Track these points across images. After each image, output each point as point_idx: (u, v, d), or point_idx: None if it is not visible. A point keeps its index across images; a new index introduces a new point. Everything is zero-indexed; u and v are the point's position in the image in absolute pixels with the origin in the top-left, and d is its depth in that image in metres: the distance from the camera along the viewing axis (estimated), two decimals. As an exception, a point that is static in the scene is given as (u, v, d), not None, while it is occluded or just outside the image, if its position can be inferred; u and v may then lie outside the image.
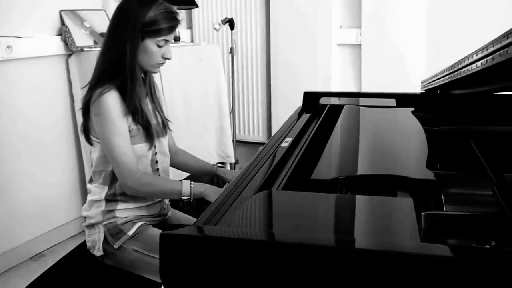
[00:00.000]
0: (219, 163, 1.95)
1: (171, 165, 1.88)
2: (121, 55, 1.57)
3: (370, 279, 0.68)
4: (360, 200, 0.95)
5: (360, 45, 3.41)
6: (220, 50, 3.49)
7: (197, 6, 3.35)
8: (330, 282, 0.70)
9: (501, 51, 0.90)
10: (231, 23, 3.29)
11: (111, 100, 1.56)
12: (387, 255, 0.68)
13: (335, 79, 3.57)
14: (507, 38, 0.87)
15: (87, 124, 1.64)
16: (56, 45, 2.80)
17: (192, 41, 3.89)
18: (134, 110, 1.60)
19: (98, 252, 1.67)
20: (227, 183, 1.66)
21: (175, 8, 1.64)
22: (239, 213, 0.88)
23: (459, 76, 1.37)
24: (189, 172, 2.03)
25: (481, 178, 1.29)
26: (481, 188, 1.24)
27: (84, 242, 1.74)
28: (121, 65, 1.58)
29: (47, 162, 2.85)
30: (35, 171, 2.78)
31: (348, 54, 3.54)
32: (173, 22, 1.61)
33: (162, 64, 1.67)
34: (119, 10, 1.62)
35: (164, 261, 0.76)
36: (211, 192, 1.64)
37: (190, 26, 3.92)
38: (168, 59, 1.66)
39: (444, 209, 1.07)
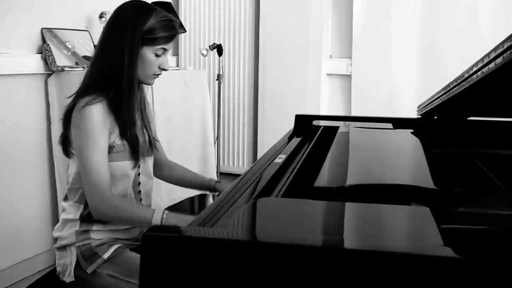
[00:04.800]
0: (216, 181, 1.81)
1: (165, 180, 1.78)
2: (119, 63, 1.47)
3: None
4: (372, 208, 0.83)
5: (350, 75, 3.36)
6: (207, 76, 3.39)
7: (185, 31, 3.27)
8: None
9: (492, 64, 0.92)
10: (219, 49, 3.22)
11: (96, 112, 1.44)
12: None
13: (324, 109, 3.50)
14: (496, 51, 0.90)
15: (67, 134, 1.51)
16: (36, 64, 2.67)
17: (178, 65, 3.80)
18: (128, 123, 1.49)
19: (68, 278, 1.51)
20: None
21: (174, 17, 1.55)
22: (233, 218, 0.75)
23: (456, 92, 1.31)
24: (184, 187, 1.87)
25: (489, 197, 1.20)
26: (490, 206, 1.16)
27: (55, 269, 1.58)
28: (118, 74, 1.47)
29: (17, 188, 2.66)
30: (1, 197, 2.59)
31: (338, 85, 3.48)
32: (173, 31, 1.53)
33: (158, 75, 1.57)
34: (116, 17, 1.52)
35: (146, 266, 0.63)
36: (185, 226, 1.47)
37: (176, 53, 3.83)
38: (165, 70, 1.57)
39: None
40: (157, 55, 1.51)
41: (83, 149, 1.44)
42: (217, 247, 0.63)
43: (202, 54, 3.27)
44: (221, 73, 3.30)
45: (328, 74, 3.48)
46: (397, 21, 3.20)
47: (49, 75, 2.73)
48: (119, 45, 1.47)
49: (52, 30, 2.75)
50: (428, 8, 3.13)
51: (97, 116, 1.44)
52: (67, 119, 1.49)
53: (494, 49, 0.90)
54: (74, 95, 1.52)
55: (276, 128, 3.40)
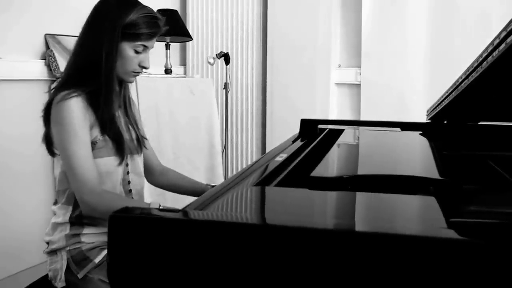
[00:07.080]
0: (212, 186, 1.74)
1: (158, 186, 1.72)
2: (96, 57, 1.41)
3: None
4: (371, 196, 0.76)
5: (359, 84, 3.29)
6: (214, 85, 3.34)
7: (192, 39, 3.24)
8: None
9: (502, 45, 0.89)
10: (226, 57, 3.17)
11: (74, 106, 1.38)
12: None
13: (333, 119, 3.43)
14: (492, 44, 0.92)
15: (48, 132, 1.45)
16: (39, 70, 2.64)
17: (185, 73, 3.76)
18: (105, 119, 1.43)
19: (60, 283, 1.45)
20: None
21: (159, 14, 1.49)
22: (220, 202, 0.69)
23: (466, 85, 1.25)
24: (180, 193, 1.80)
25: (499, 195, 1.13)
26: (499, 204, 1.08)
27: (47, 275, 1.51)
28: (96, 68, 1.42)
29: (18, 196, 2.61)
30: (2, 206, 2.53)
31: (347, 94, 3.42)
32: (155, 28, 1.46)
33: (138, 73, 1.51)
34: (96, 10, 1.46)
35: (112, 248, 0.57)
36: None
37: (183, 63, 3.80)
38: (145, 68, 1.51)
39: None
40: (136, 52, 1.45)
41: (65, 145, 1.38)
42: (193, 229, 0.56)
43: (209, 63, 3.22)
44: (228, 81, 3.25)
45: (336, 84, 3.42)
46: (406, 30, 3.14)
47: (52, 81, 2.70)
48: (98, 38, 1.42)
49: (56, 36, 2.73)
50: (437, 16, 3.07)
51: (76, 110, 1.38)
52: (47, 115, 1.43)
53: (504, 28, 0.83)
54: (52, 90, 1.46)
55: (285, 138, 3.33)
